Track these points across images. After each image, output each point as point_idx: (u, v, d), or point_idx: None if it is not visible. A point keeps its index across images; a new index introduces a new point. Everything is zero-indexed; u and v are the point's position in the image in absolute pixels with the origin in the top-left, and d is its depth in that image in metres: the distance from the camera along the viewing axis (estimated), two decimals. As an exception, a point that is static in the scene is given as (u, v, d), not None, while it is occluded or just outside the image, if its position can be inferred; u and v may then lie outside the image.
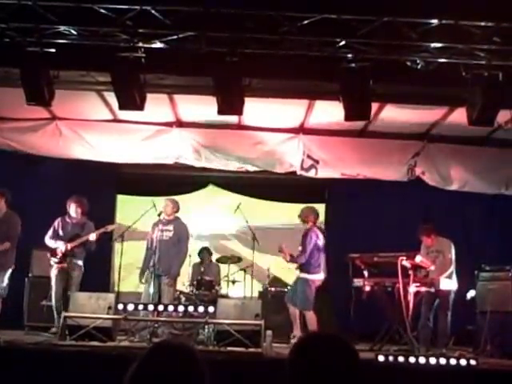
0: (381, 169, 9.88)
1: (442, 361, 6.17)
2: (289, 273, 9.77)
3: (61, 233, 8.57)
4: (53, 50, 6.93)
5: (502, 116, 7.77)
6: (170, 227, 8.75)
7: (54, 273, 8.45)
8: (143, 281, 8.63)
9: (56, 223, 8.65)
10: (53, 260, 8.41)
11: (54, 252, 8.43)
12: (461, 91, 7.30)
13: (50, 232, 8.58)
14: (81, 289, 8.36)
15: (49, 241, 8.54)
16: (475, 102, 7.09)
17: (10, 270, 7.96)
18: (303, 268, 8.40)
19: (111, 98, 7.97)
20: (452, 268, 8.10)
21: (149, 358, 1.90)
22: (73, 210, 8.65)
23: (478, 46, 6.81)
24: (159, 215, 8.76)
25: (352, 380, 1.95)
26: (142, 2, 6.54)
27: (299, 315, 8.41)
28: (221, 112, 7.35)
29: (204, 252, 10.39)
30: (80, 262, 8.52)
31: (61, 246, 8.40)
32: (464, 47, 6.83)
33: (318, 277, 8.47)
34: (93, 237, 8.48)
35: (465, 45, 6.81)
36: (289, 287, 8.99)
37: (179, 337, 7.93)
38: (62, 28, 6.83)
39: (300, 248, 8.43)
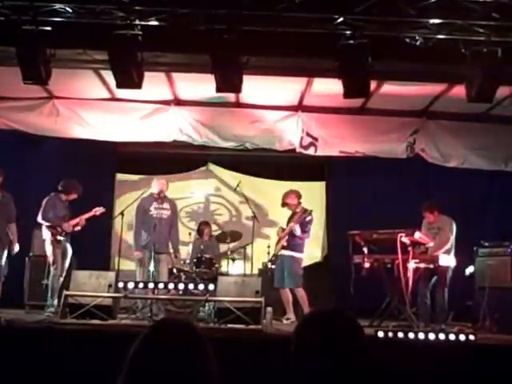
0: (380, 146, 9.87)
1: (441, 336, 6.20)
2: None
3: (57, 211, 8.53)
4: (49, 28, 6.87)
5: (501, 92, 7.75)
6: (167, 206, 8.76)
7: (53, 251, 8.39)
8: (136, 254, 8.63)
9: (50, 202, 8.56)
10: (58, 238, 8.39)
11: (56, 230, 8.40)
12: (460, 68, 7.26)
13: (46, 210, 8.48)
14: (81, 267, 8.40)
15: (47, 219, 8.45)
16: (474, 78, 7.07)
17: (6, 250, 8.01)
18: (293, 246, 8.45)
19: (109, 76, 7.93)
20: (449, 245, 8.13)
21: (151, 335, 1.91)
22: (74, 197, 8.68)
23: (477, 22, 6.76)
24: (159, 194, 8.76)
25: (358, 355, 1.96)
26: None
27: (292, 296, 8.46)
28: (219, 90, 7.32)
29: (204, 225, 10.37)
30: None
31: (67, 225, 8.44)
32: (463, 23, 6.78)
33: (303, 255, 8.58)
34: (85, 218, 8.59)
35: (464, 21, 6.76)
36: (274, 269, 8.79)
37: (179, 314, 7.98)
38: (57, 6, 6.77)
39: (296, 227, 8.41)
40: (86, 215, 8.66)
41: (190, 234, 9.95)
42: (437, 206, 8.45)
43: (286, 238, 8.52)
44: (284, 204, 8.79)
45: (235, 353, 5.44)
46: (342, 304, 8.32)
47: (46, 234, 8.44)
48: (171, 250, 8.79)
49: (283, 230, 8.68)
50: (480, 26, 6.79)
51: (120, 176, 11.46)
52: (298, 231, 8.42)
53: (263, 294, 7.31)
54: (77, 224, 8.58)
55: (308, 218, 8.54)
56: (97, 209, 8.75)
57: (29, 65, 7.06)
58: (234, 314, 7.01)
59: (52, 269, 8.36)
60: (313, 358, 1.95)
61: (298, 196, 8.73)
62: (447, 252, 8.10)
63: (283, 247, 8.52)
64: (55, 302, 8.10)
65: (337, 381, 1.91)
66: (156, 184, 8.81)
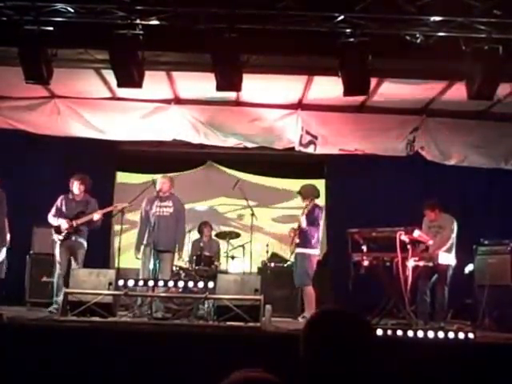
0: (379, 144, 9.88)
1: (441, 334, 6.21)
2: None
3: (64, 210, 8.59)
4: (50, 28, 6.90)
5: (502, 90, 7.76)
6: (169, 203, 8.73)
7: (58, 250, 8.45)
8: (139, 256, 8.61)
9: (59, 201, 8.66)
10: (57, 237, 8.45)
11: (58, 229, 8.46)
12: (460, 65, 7.25)
13: (53, 210, 8.59)
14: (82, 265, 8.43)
15: (52, 219, 8.55)
16: (475, 75, 7.07)
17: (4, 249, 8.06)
18: (304, 243, 8.43)
19: (109, 75, 7.96)
20: (449, 244, 8.14)
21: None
22: (76, 187, 8.69)
23: (477, 20, 6.76)
24: (158, 193, 8.76)
25: (366, 354, 1.95)
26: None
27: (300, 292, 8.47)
28: (219, 88, 7.34)
29: (204, 225, 10.38)
30: (84, 241, 8.60)
31: (65, 224, 8.46)
32: (464, 20, 6.78)
33: (318, 252, 8.56)
34: (97, 215, 8.57)
35: (464, 18, 6.76)
36: (293, 268, 8.79)
37: (179, 312, 8.01)
38: (59, 6, 6.81)
39: (303, 219, 8.41)
40: (106, 210, 8.72)
41: (189, 231, 9.96)
42: (438, 205, 8.46)
43: (298, 235, 8.51)
44: (299, 193, 8.79)
45: (234, 350, 5.47)
46: (341, 302, 8.35)
47: (53, 234, 8.53)
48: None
49: (294, 229, 8.64)
50: (481, 24, 6.78)
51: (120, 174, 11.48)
52: (303, 223, 8.37)
53: (262, 292, 7.33)
54: (84, 222, 8.60)
55: (316, 211, 8.51)
56: (117, 204, 8.81)
57: (31, 64, 7.10)
58: (233, 312, 7.01)
59: (57, 268, 8.42)
60: (324, 359, 1.93)
61: (308, 194, 8.65)
62: (448, 250, 8.11)
63: (297, 245, 8.52)
64: (60, 298, 8.15)
65: (348, 381, 1.90)
66: (158, 182, 8.85)
